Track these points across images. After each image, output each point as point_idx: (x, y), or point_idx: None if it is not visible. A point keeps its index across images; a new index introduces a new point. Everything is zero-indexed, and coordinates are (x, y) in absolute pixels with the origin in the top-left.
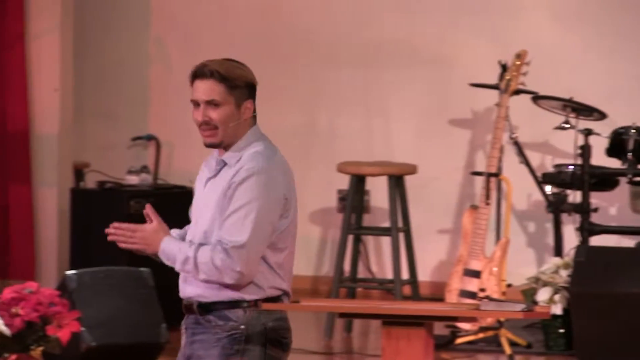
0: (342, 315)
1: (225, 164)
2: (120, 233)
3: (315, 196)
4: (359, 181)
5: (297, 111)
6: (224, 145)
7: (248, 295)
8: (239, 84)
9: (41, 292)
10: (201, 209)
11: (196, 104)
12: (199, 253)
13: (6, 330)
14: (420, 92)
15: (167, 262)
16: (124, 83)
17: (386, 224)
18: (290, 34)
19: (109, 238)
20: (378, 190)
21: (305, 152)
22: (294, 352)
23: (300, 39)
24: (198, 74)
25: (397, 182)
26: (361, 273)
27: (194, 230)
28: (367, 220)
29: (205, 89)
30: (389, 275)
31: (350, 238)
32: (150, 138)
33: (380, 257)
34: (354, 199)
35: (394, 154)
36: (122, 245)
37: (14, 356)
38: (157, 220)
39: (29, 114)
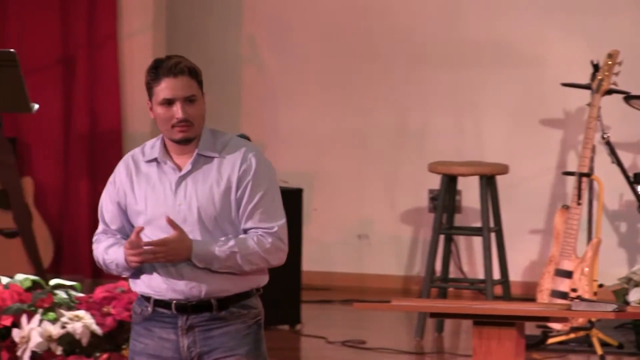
0: (433, 315)
1: (205, 158)
2: (150, 250)
3: (406, 196)
4: (450, 181)
5: (389, 111)
6: (193, 140)
7: (261, 282)
8: (201, 78)
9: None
10: (183, 206)
11: (169, 101)
12: (243, 246)
13: (98, 330)
14: (512, 92)
15: (201, 265)
16: (215, 83)
17: (477, 223)
18: (382, 33)
19: (136, 260)
20: (469, 190)
21: (397, 152)
22: (384, 351)
23: (392, 38)
24: (172, 71)
25: (488, 182)
26: (452, 273)
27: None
28: (459, 220)
29: (183, 85)
30: (480, 275)
31: (442, 238)
32: (242, 137)
33: (471, 257)
34: (445, 199)
35: (486, 153)
36: (152, 262)
37: (105, 355)
38: (179, 228)
39: (121, 113)
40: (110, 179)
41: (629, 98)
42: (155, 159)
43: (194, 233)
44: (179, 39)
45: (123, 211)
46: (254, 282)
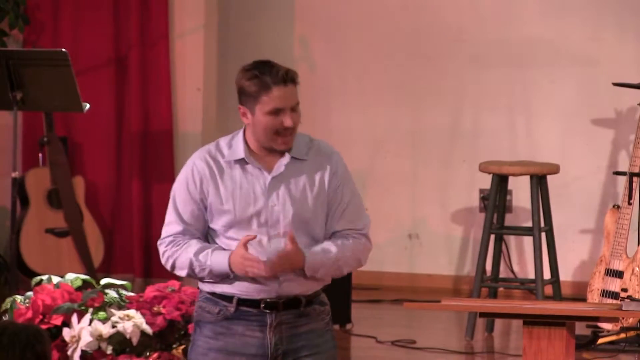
0: (483, 314)
1: (296, 160)
2: (271, 262)
3: (457, 196)
4: (501, 181)
5: (441, 110)
6: None
7: (330, 279)
8: None
9: (183, 290)
10: (277, 207)
11: (279, 111)
12: (345, 252)
13: (148, 329)
14: (564, 92)
15: (309, 273)
16: None
17: (528, 223)
18: (434, 33)
19: (258, 273)
20: (520, 190)
21: (448, 152)
22: (435, 351)
23: (444, 38)
24: (285, 79)
25: (539, 182)
26: (503, 273)
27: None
28: (509, 220)
29: (292, 93)
30: (531, 275)
31: (492, 238)
32: None
33: (522, 257)
34: (496, 199)
35: (537, 153)
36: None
37: (155, 354)
38: (295, 242)
39: (173, 113)
40: (185, 176)
41: None
42: (239, 160)
43: (293, 236)
44: (231, 39)
45: (203, 210)
46: (328, 279)
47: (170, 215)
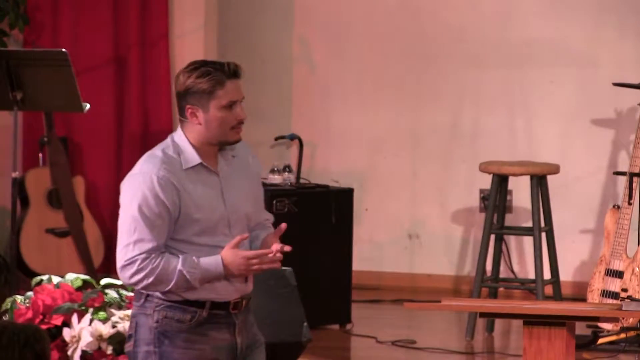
0: (483, 314)
1: (231, 157)
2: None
3: (457, 196)
4: (501, 181)
5: (441, 110)
6: None
7: None
8: None
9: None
10: (234, 208)
11: (232, 104)
12: None
13: None
14: (564, 92)
15: None
16: (266, 83)
17: (528, 223)
18: (434, 33)
19: (259, 269)
20: (520, 190)
21: (448, 151)
22: (435, 351)
23: (445, 38)
24: (236, 73)
25: (539, 182)
26: (503, 273)
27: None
28: (509, 220)
29: (240, 86)
30: (531, 275)
31: (492, 238)
32: (293, 138)
33: (522, 257)
34: (496, 199)
35: (537, 153)
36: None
37: None
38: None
39: (173, 113)
40: (147, 190)
41: None
42: (195, 165)
43: (243, 233)
44: (231, 39)
45: (167, 223)
46: None
47: (136, 234)
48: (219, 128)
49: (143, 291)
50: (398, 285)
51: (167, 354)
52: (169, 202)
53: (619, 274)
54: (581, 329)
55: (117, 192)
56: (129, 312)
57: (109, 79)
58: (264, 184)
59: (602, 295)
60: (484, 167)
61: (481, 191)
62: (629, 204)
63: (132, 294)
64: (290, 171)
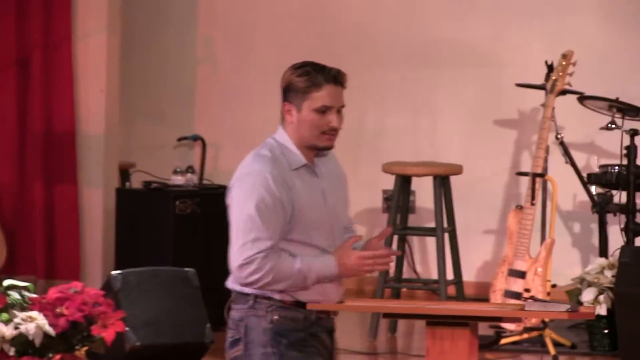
0: (387, 315)
1: (325, 161)
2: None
3: (360, 196)
4: (404, 181)
5: (345, 110)
6: None
7: None
8: None
9: (86, 292)
10: (333, 205)
11: (325, 109)
12: None
13: (51, 330)
14: (468, 92)
15: None
16: (170, 83)
17: (431, 224)
18: (339, 33)
19: (374, 269)
20: (424, 191)
21: (352, 152)
22: (339, 352)
23: (349, 38)
24: (337, 79)
25: (442, 183)
26: (406, 273)
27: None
28: (413, 221)
29: (340, 94)
30: (434, 275)
31: (396, 238)
32: (196, 138)
33: (425, 258)
34: (399, 199)
35: (440, 154)
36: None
37: (58, 356)
38: None
39: (76, 115)
40: (261, 188)
41: (583, 98)
42: (302, 166)
43: (342, 236)
44: (134, 40)
45: (284, 223)
46: None
47: (253, 232)
48: (310, 130)
49: (255, 291)
50: None
51: (287, 353)
52: (284, 200)
53: (522, 274)
54: (484, 329)
55: (19, 193)
56: (32, 313)
57: (12, 80)
58: (167, 185)
59: (505, 296)
60: (387, 168)
61: (384, 192)
62: (532, 204)
63: (35, 296)
64: (193, 172)
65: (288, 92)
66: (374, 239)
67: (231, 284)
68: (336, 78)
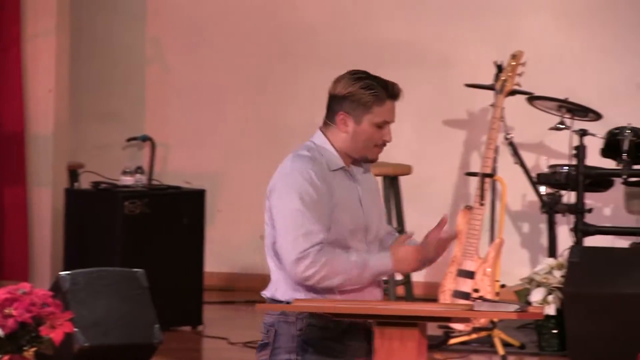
0: (336, 315)
1: (362, 170)
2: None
3: None
4: None
5: (296, 111)
6: None
7: None
8: None
9: (34, 292)
10: (368, 211)
11: (384, 124)
12: None
13: None
14: (417, 93)
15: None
16: (119, 84)
17: None
18: (290, 33)
19: (428, 258)
20: None
21: None
22: None
23: (300, 38)
24: (396, 95)
25: (392, 183)
26: None
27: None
28: None
29: (394, 110)
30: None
31: None
32: (145, 139)
33: None
34: None
35: (389, 154)
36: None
37: (6, 357)
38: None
39: (25, 115)
40: (304, 182)
41: (532, 99)
42: (340, 169)
43: (374, 242)
44: (84, 41)
45: (329, 218)
46: None
47: (303, 227)
48: (364, 143)
49: (289, 298)
50: (251, 286)
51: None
52: (327, 195)
53: (471, 275)
54: (433, 329)
55: None
56: None
57: None
58: (116, 186)
59: (454, 296)
60: None
61: None
62: (481, 204)
63: None
64: (142, 173)
65: (346, 102)
66: (432, 231)
67: (267, 292)
68: (396, 95)
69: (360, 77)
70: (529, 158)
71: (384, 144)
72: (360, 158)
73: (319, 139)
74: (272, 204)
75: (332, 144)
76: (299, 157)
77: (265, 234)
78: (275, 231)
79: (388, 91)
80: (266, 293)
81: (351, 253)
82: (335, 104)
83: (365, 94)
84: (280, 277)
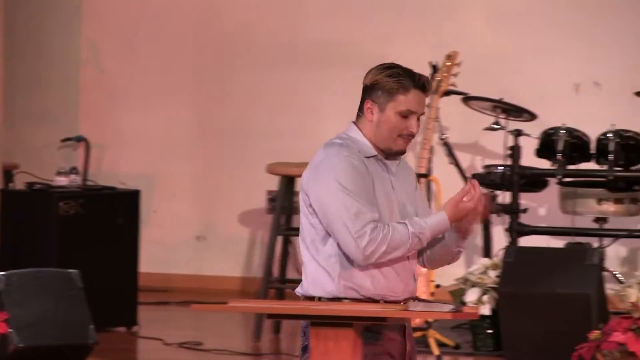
0: (271, 316)
1: (397, 163)
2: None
3: (245, 197)
4: (288, 182)
5: (229, 111)
6: None
7: None
8: None
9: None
10: (400, 203)
11: (409, 113)
12: None
13: None
14: (353, 93)
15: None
16: (54, 84)
17: None
18: (225, 35)
19: (473, 207)
20: None
21: (236, 153)
22: (222, 353)
23: (236, 39)
24: (424, 86)
25: None
26: (290, 274)
27: (393, 216)
28: (297, 221)
29: (424, 101)
30: None
31: (280, 239)
32: (79, 139)
33: None
34: (283, 200)
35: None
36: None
37: None
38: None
39: None
40: (344, 163)
41: (467, 99)
42: (373, 157)
43: None
44: (18, 41)
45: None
46: None
47: (353, 207)
48: (388, 132)
49: (322, 294)
50: (186, 287)
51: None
52: (367, 174)
53: None
54: None
55: None
56: None
57: None
58: (50, 186)
59: None
60: (271, 169)
61: (268, 192)
62: None
63: None
64: (77, 173)
65: (372, 90)
66: (463, 189)
67: (300, 290)
68: (424, 85)
69: (388, 67)
70: (464, 158)
71: (410, 135)
72: (385, 149)
73: (352, 131)
74: (314, 193)
75: (364, 135)
76: (331, 144)
77: (300, 227)
78: (327, 219)
79: (415, 81)
80: (300, 290)
81: (406, 224)
82: (364, 93)
83: (390, 81)
84: (313, 269)
